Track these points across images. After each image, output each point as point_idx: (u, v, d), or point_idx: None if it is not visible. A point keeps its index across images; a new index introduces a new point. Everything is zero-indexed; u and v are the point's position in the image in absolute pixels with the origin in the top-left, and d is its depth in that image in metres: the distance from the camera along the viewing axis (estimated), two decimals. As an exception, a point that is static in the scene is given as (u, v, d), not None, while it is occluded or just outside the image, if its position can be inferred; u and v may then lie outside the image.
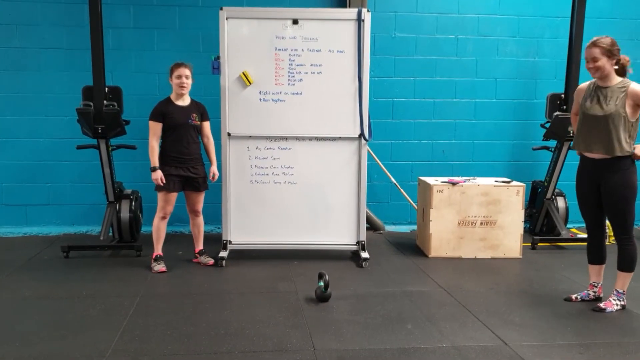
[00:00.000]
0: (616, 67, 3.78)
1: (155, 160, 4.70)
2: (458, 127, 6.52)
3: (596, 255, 4.08)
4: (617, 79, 3.79)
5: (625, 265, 3.91)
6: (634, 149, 3.75)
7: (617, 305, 3.94)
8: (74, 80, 5.76)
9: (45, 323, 3.65)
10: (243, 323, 3.65)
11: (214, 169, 4.94)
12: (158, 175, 4.68)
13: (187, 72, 4.73)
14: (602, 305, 3.95)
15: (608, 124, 3.73)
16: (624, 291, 3.95)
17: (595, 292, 4.12)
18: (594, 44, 3.76)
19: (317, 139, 5.12)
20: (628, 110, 3.71)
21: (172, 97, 4.80)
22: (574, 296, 4.16)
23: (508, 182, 5.46)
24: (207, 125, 4.92)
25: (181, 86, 4.71)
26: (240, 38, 4.99)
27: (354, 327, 3.60)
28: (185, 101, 4.81)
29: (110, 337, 3.42)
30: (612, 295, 3.97)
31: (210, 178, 4.93)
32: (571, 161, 6.15)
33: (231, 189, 5.14)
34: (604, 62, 3.74)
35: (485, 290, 4.41)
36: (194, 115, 4.79)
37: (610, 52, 3.73)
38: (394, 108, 6.41)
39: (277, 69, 5.04)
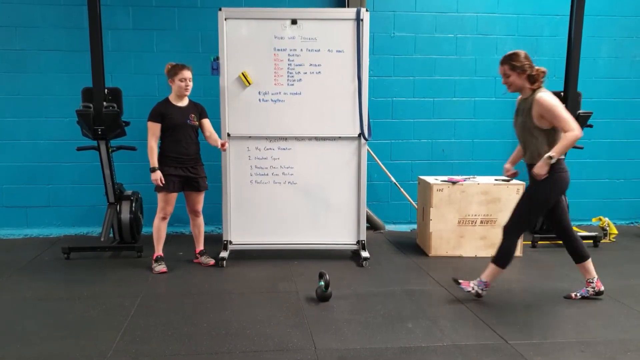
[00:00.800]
0: (532, 83, 3.85)
1: (154, 161, 4.71)
2: (458, 126, 6.53)
3: (575, 255, 4.09)
4: (531, 91, 3.87)
5: (497, 257, 4.03)
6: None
7: (473, 289, 4.09)
8: (74, 82, 5.76)
9: (46, 324, 3.66)
10: (244, 323, 3.66)
11: (222, 141, 4.83)
12: (157, 176, 4.69)
13: (190, 74, 4.74)
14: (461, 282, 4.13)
15: (525, 136, 3.92)
16: (487, 281, 4.07)
17: (593, 287, 4.12)
18: (503, 61, 3.88)
19: (317, 138, 5.12)
20: (536, 120, 3.79)
21: (171, 98, 4.80)
22: (573, 294, 4.16)
23: (508, 180, 5.46)
24: (207, 122, 4.89)
25: (185, 89, 4.71)
26: (239, 38, 5.00)
27: (354, 327, 3.60)
28: (183, 102, 4.82)
29: (111, 337, 3.42)
30: (475, 280, 4.12)
31: (223, 146, 4.82)
32: (571, 159, 6.15)
33: (231, 190, 5.14)
34: (514, 77, 3.85)
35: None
36: (192, 115, 4.80)
37: (520, 68, 3.81)
38: (393, 107, 6.42)
39: (276, 69, 5.04)
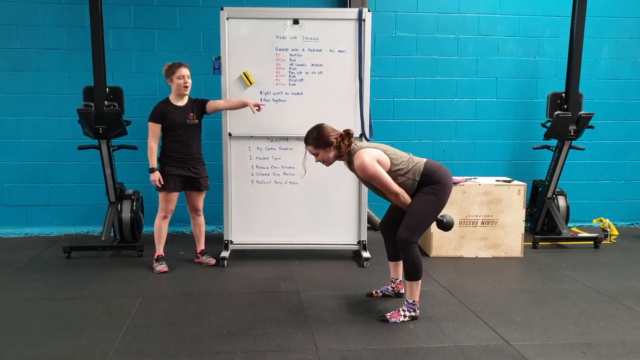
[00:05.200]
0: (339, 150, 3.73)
1: (153, 162, 4.70)
2: (459, 127, 6.52)
3: (391, 252, 4.04)
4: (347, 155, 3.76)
5: (407, 273, 3.69)
6: None
7: (404, 317, 3.70)
8: (75, 81, 5.78)
9: (47, 324, 3.65)
10: (245, 323, 3.66)
11: (252, 102, 4.77)
12: (156, 177, 4.68)
13: (187, 72, 4.73)
14: (387, 315, 3.71)
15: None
16: (414, 301, 3.71)
17: (394, 287, 4.15)
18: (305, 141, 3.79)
19: (318, 138, 5.11)
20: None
21: (171, 97, 4.79)
22: (374, 291, 4.20)
23: (509, 181, 5.46)
24: (210, 102, 4.83)
25: (184, 87, 4.71)
26: (241, 38, 4.99)
27: (356, 327, 3.60)
28: (183, 101, 4.81)
29: (113, 337, 3.42)
30: (402, 306, 3.74)
31: (258, 107, 4.77)
32: (572, 160, 6.18)
33: (232, 189, 5.14)
34: (322, 154, 3.77)
35: (487, 289, 4.41)
36: (192, 114, 4.78)
37: (324, 143, 3.71)
38: (394, 107, 6.41)
39: (277, 69, 5.03)
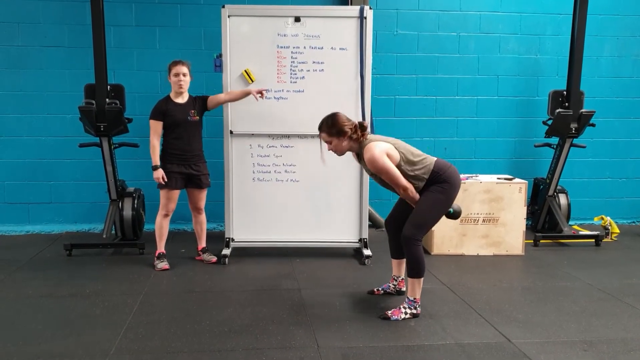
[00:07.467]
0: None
1: (156, 159, 4.70)
2: (460, 125, 6.52)
3: (395, 249, 4.03)
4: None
5: (410, 270, 3.70)
6: None
7: (405, 314, 3.70)
8: (76, 78, 5.78)
9: (48, 322, 3.66)
10: (246, 320, 3.66)
11: (255, 90, 4.80)
12: (159, 174, 4.68)
13: (184, 69, 4.72)
14: (389, 312, 3.71)
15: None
16: (415, 299, 3.72)
17: (395, 285, 4.15)
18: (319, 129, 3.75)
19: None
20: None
21: (172, 95, 4.80)
22: (375, 289, 4.21)
23: (510, 179, 5.46)
24: (211, 97, 4.85)
25: (179, 84, 4.71)
26: (242, 36, 4.99)
27: (357, 325, 3.60)
28: (183, 98, 4.81)
29: (114, 335, 3.42)
30: (403, 303, 3.75)
31: (261, 94, 4.80)
32: (573, 158, 6.18)
33: (233, 187, 5.14)
34: (336, 142, 3.71)
35: (488, 287, 4.41)
36: (192, 111, 4.78)
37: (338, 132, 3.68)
38: (395, 105, 6.40)
39: (279, 67, 5.03)
